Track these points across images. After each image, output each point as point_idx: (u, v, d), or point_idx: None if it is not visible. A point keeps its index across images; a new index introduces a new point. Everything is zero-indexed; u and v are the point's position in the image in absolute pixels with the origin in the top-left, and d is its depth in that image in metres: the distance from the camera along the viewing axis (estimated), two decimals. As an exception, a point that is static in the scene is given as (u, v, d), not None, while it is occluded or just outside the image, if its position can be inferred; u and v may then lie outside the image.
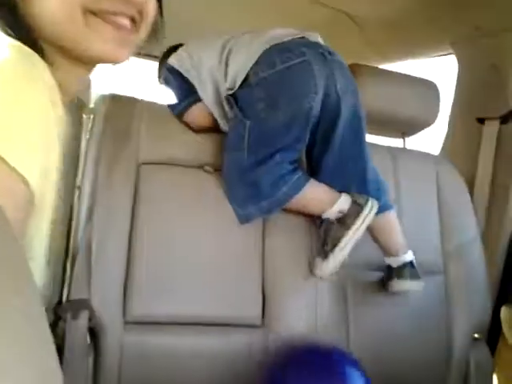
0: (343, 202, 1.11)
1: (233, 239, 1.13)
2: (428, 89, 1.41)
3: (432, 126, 1.44)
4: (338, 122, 1.11)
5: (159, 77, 1.36)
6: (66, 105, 0.52)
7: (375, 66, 1.50)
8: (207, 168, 1.16)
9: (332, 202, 1.11)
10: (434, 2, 1.40)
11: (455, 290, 1.31)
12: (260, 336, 1.10)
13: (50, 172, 0.49)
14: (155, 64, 1.60)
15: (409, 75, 1.41)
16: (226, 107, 1.15)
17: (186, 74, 1.19)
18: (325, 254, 1.11)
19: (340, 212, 1.10)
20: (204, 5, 1.72)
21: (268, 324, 1.11)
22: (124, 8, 0.53)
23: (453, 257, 1.33)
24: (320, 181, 1.15)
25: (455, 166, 1.43)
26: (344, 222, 1.09)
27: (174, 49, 1.29)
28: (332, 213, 1.11)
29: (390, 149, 1.40)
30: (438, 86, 1.43)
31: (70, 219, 1.01)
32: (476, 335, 1.31)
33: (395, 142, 1.51)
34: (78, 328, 0.89)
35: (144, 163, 1.12)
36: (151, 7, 0.57)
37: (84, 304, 0.90)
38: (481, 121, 1.48)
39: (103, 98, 1.16)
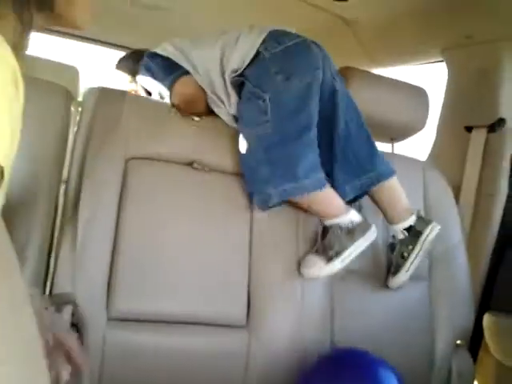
0: (355, 215, 1.14)
1: (219, 238, 1.13)
2: (418, 95, 1.42)
3: (420, 132, 1.46)
4: (336, 100, 1.17)
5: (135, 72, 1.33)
6: None
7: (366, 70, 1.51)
8: (196, 165, 1.15)
9: (341, 210, 1.14)
10: (427, 9, 1.42)
11: (439, 296, 1.32)
12: (244, 336, 1.09)
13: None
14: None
15: (399, 81, 1.42)
16: (231, 90, 1.17)
17: (173, 58, 1.20)
18: (328, 259, 1.12)
19: (350, 223, 1.13)
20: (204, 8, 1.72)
21: (252, 324, 1.10)
22: None
23: (438, 262, 1.34)
24: (334, 167, 1.19)
25: (442, 173, 1.44)
26: (352, 233, 1.12)
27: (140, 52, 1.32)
28: (342, 221, 1.13)
29: None
30: (427, 92, 1.44)
31: (55, 212, 1.00)
32: (458, 342, 1.32)
33: (384, 147, 1.52)
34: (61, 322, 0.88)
35: (132, 158, 1.10)
36: None
37: (68, 298, 0.88)
38: (469, 129, 1.49)
39: (92, 90, 1.14)
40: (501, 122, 1.42)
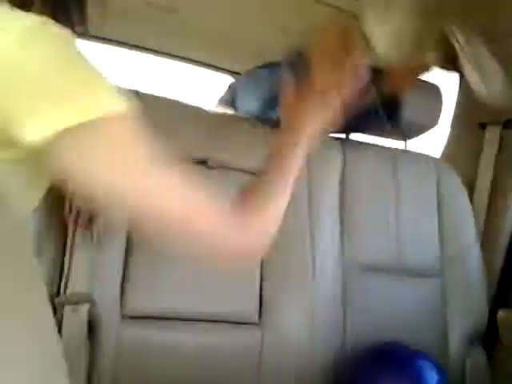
0: None
1: None
2: (431, 91, 1.41)
3: (434, 129, 1.44)
4: None
5: None
6: None
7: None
8: (210, 163, 1.15)
9: None
10: (438, 6, 1.40)
11: (452, 293, 1.31)
12: (257, 333, 1.09)
13: None
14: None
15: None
16: None
17: None
18: None
19: None
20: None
21: (265, 321, 1.11)
22: None
23: (451, 260, 1.33)
24: None
25: (456, 170, 1.43)
26: None
27: None
28: None
29: (390, 150, 1.40)
30: (440, 88, 1.42)
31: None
32: (472, 339, 1.31)
33: (397, 144, 1.51)
34: (77, 321, 0.89)
35: None
36: None
37: (85, 297, 0.89)
38: (483, 126, 1.48)
39: None
40: (516, 118, 1.40)
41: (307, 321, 1.14)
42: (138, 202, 0.55)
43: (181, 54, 2.62)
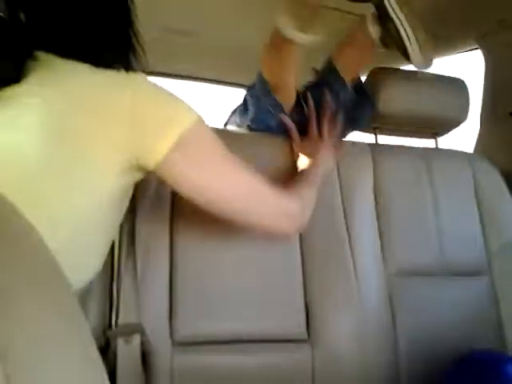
0: None
1: (272, 252, 1.13)
2: (456, 86, 1.39)
3: (463, 124, 1.42)
4: None
5: None
6: None
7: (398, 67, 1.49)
8: None
9: None
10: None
11: (503, 289, 1.27)
12: (307, 349, 1.09)
13: None
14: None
15: (435, 74, 1.39)
16: None
17: None
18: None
19: None
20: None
21: (314, 337, 1.10)
22: None
23: (497, 256, 1.30)
24: None
25: (491, 163, 1.40)
26: None
27: None
28: None
29: (422, 150, 1.38)
30: (465, 82, 1.40)
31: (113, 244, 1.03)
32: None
33: (427, 143, 1.49)
34: (131, 353, 0.90)
35: None
36: None
37: (136, 328, 0.91)
38: (513, 114, 1.45)
39: None
40: (547, 103, 1.37)
41: (356, 331, 1.13)
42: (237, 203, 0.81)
43: (194, 75, 2.68)
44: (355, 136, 1.54)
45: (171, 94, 0.69)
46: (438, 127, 1.43)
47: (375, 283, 1.18)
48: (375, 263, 1.21)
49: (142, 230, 1.04)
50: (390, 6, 1.17)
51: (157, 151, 0.64)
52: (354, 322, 1.13)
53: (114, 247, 1.04)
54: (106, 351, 0.91)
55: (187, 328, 1.02)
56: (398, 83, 1.33)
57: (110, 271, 1.01)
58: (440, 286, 1.24)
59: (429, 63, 1.19)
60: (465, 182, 1.35)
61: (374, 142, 1.45)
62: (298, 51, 1.24)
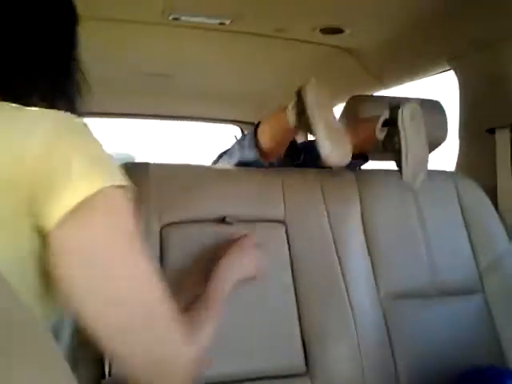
0: None
1: (263, 289, 1.12)
2: (433, 108, 1.42)
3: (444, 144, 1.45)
4: None
5: None
6: None
7: (374, 93, 1.53)
8: (228, 220, 1.16)
9: None
10: (425, 23, 1.42)
11: (497, 305, 1.27)
12: (307, 383, 1.07)
13: None
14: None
15: (411, 98, 1.42)
16: None
17: None
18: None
19: None
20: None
21: (312, 370, 1.08)
22: None
23: (489, 272, 1.30)
24: None
25: (474, 180, 1.42)
26: None
27: None
28: None
29: None
30: (441, 103, 1.44)
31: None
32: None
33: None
34: None
35: (165, 225, 1.12)
36: None
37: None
38: (491, 131, 1.47)
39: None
40: (523, 118, 1.40)
41: (354, 358, 1.11)
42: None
43: (179, 114, 2.74)
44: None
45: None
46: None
47: (370, 309, 1.18)
48: (368, 289, 1.20)
49: None
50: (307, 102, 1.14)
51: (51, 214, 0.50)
52: (351, 350, 1.12)
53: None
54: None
55: None
56: (375, 109, 1.35)
57: None
58: (435, 306, 1.24)
59: (344, 160, 1.18)
60: (450, 201, 1.37)
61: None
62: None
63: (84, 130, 0.56)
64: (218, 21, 1.42)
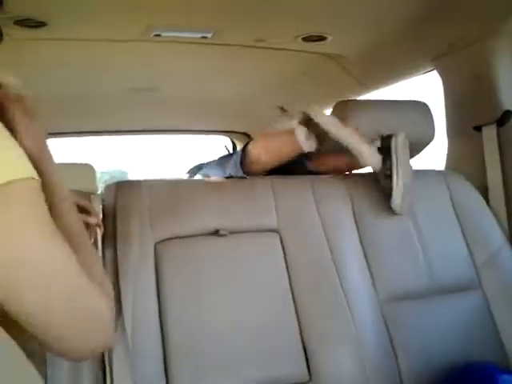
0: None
1: (262, 298, 1.12)
2: (419, 109, 1.43)
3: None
4: None
5: None
6: None
7: (361, 97, 1.53)
8: (222, 232, 1.16)
9: None
10: (407, 26, 1.44)
11: (495, 300, 1.28)
12: None
13: None
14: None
15: (397, 100, 1.43)
16: None
17: None
18: None
19: None
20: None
21: (315, 377, 1.08)
22: None
23: (485, 268, 1.31)
24: None
25: (465, 177, 1.43)
26: None
27: None
28: None
29: None
30: (427, 103, 1.45)
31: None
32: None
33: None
34: None
35: (160, 241, 1.12)
36: None
37: None
38: (478, 128, 1.49)
39: (109, 187, 1.19)
40: (508, 114, 1.41)
41: (357, 362, 1.11)
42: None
43: (168, 128, 2.76)
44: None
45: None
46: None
47: (369, 312, 1.18)
48: (367, 293, 1.20)
49: (126, 293, 1.03)
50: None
51: None
52: (353, 354, 1.12)
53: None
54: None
55: None
56: (362, 113, 1.36)
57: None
58: (434, 305, 1.24)
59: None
60: (443, 200, 1.38)
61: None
62: None
63: None
64: (199, 35, 1.44)
